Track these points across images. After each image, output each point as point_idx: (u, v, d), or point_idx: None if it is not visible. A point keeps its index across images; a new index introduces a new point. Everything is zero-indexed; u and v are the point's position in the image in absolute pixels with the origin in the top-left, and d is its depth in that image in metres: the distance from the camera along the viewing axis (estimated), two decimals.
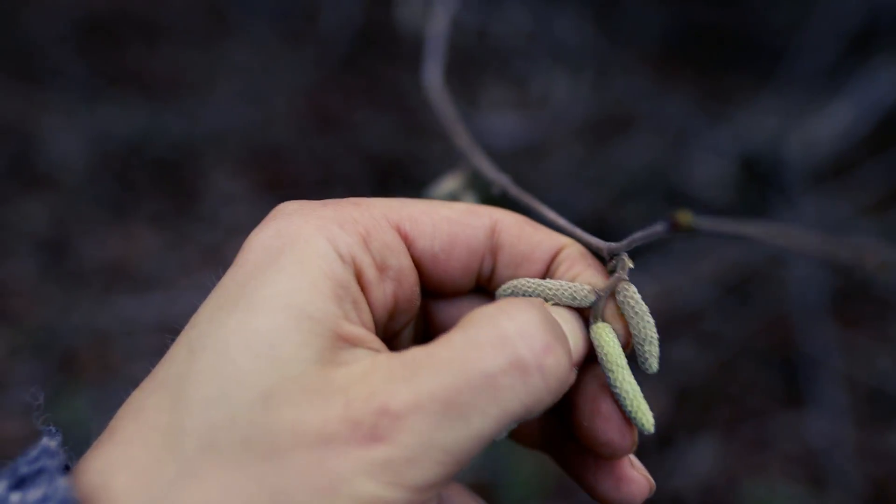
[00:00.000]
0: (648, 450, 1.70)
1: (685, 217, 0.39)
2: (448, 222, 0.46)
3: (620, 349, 0.45)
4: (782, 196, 2.14)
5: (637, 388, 0.44)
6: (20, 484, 0.36)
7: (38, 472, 0.36)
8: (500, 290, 0.48)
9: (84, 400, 1.50)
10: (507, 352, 0.37)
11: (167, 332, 0.43)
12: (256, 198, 2.27)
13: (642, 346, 0.45)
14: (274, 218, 0.43)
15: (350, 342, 0.39)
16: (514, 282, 0.47)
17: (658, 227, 0.41)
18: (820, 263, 1.92)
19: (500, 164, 0.58)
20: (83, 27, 2.68)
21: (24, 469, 0.37)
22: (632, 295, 0.45)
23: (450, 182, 0.69)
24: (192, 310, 0.41)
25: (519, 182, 0.55)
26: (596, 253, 0.48)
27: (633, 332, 0.45)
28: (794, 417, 1.75)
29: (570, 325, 0.44)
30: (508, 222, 0.47)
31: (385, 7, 2.46)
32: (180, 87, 2.57)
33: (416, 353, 0.38)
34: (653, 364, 0.45)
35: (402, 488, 0.35)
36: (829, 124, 2.24)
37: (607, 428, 0.44)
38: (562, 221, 0.50)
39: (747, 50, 2.65)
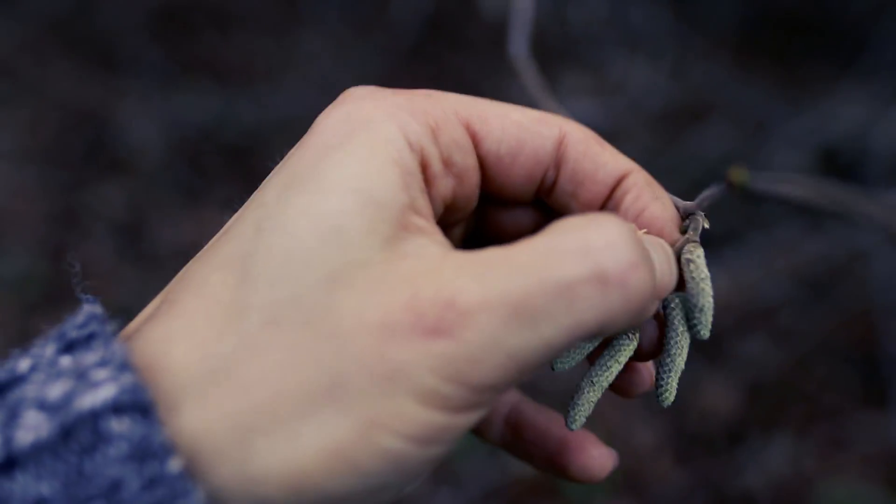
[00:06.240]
0: (718, 446, 1.66)
1: (739, 174, 0.37)
2: (517, 127, 0.45)
3: (685, 324, 0.44)
4: (866, 190, 2.06)
5: (682, 366, 0.44)
6: (70, 348, 0.35)
7: (90, 337, 0.35)
8: None
9: None
10: (590, 262, 0.34)
11: None
12: None
13: (693, 312, 0.43)
14: (343, 102, 0.41)
15: (413, 232, 0.38)
16: None
17: (713, 190, 0.40)
18: None
19: None
20: (158, 16, 2.74)
21: (72, 334, 0.35)
22: (695, 259, 0.43)
23: None
24: None
25: None
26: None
27: (688, 294, 0.43)
28: (874, 417, 1.68)
29: (661, 255, 0.42)
30: (577, 136, 0.45)
31: None
32: (252, 75, 2.60)
33: (493, 253, 0.36)
34: (704, 332, 0.43)
35: (461, 386, 0.34)
36: None
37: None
38: None
39: (828, 37, 2.56)
